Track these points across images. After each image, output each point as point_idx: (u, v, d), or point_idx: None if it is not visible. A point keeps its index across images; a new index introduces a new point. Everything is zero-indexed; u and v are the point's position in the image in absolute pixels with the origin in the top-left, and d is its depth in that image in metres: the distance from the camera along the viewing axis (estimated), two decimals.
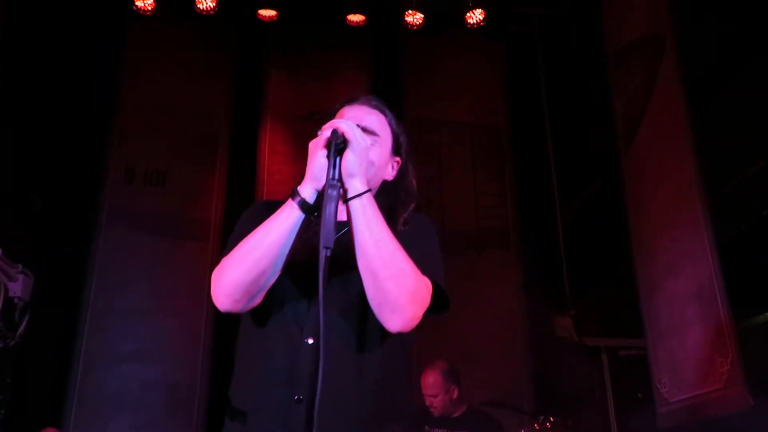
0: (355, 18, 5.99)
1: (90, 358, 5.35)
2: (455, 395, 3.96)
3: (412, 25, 6.01)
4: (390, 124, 1.83)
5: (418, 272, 1.57)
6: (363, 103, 1.82)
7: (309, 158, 1.57)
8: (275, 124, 6.22)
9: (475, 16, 5.95)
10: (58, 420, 5.01)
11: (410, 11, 5.93)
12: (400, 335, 1.64)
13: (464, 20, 5.99)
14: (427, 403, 4.00)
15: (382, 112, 1.83)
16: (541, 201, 6.18)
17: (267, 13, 5.98)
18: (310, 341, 1.60)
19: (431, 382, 3.99)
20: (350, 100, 1.84)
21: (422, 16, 5.96)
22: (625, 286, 4.90)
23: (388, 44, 6.50)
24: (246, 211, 1.84)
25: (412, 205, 1.81)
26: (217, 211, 5.88)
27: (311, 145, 1.57)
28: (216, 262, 1.68)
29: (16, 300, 4.70)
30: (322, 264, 1.37)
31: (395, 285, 1.52)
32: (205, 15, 5.84)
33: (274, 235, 1.56)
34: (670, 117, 4.44)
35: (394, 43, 6.53)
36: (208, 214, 5.87)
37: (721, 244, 3.90)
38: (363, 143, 1.56)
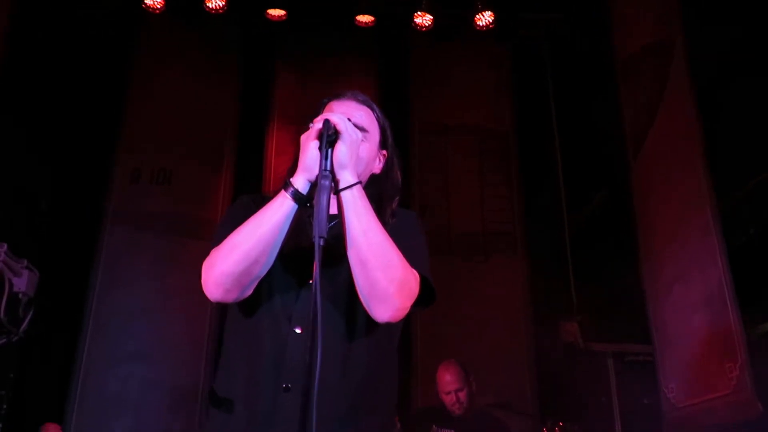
0: (364, 19, 6.00)
1: (93, 357, 5.32)
2: (474, 388, 3.89)
3: (421, 27, 6.00)
4: (377, 119, 1.85)
5: (407, 264, 1.60)
6: (350, 98, 1.84)
7: (301, 150, 1.60)
8: (282, 125, 6.21)
9: (485, 18, 5.95)
10: (59, 417, 4.98)
11: (419, 12, 5.92)
12: (387, 327, 1.67)
13: (473, 23, 5.98)
14: (450, 401, 3.85)
15: (369, 106, 1.84)
16: (549, 206, 6.16)
17: (276, 12, 5.98)
18: (298, 330, 1.63)
19: (452, 377, 3.86)
20: (337, 95, 1.85)
21: (431, 18, 5.95)
22: (631, 292, 4.87)
23: (395, 48, 6.50)
24: (232, 205, 1.87)
25: (397, 198, 1.85)
26: (222, 212, 5.86)
27: (303, 137, 1.61)
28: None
29: (20, 295, 4.67)
30: (317, 252, 1.38)
31: (384, 275, 1.56)
32: (214, 15, 5.83)
33: (267, 226, 1.58)
34: (679, 123, 4.42)
35: (402, 46, 6.53)
36: (213, 215, 5.86)
37: (731, 250, 3.88)
38: (354, 135, 1.60)
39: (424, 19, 5.95)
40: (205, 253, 1.70)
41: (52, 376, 5.21)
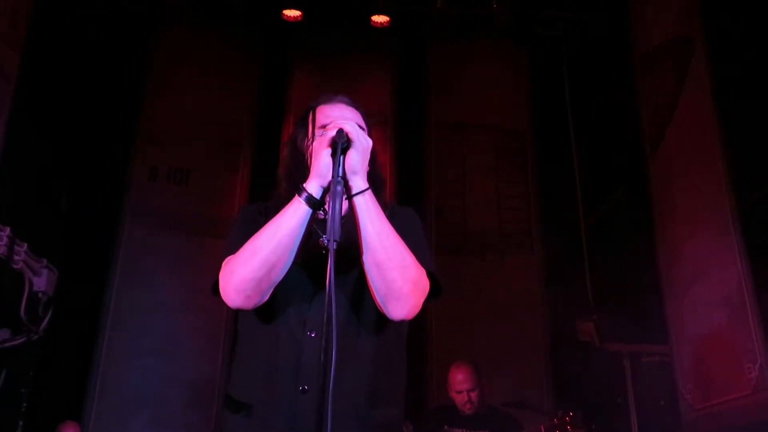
0: (379, 19, 5.99)
1: (112, 354, 5.39)
2: (486, 389, 3.91)
3: (437, 27, 5.97)
4: (364, 120, 1.92)
5: (418, 263, 1.67)
6: (341, 102, 1.91)
7: (314, 157, 1.67)
8: None
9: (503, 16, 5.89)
10: (78, 414, 5.05)
11: (436, 13, 5.89)
12: (397, 325, 1.75)
13: (490, 22, 5.93)
14: (462, 401, 3.88)
15: (356, 109, 1.92)
16: (565, 205, 6.13)
17: (292, 13, 6.00)
18: (313, 335, 1.69)
19: (465, 377, 3.88)
20: (327, 99, 1.92)
21: (447, 18, 5.92)
22: (648, 291, 4.83)
23: (413, 47, 6.49)
24: (238, 217, 1.93)
25: (384, 192, 1.91)
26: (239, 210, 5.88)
27: (316, 144, 1.70)
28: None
29: (40, 294, 4.74)
30: (332, 254, 1.44)
31: (399, 275, 1.64)
32: (232, 15, 5.84)
33: (283, 231, 1.64)
34: (698, 119, 4.37)
35: (420, 45, 6.52)
36: (230, 213, 5.89)
37: (751, 249, 3.83)
38: (365, 143, 1.67)
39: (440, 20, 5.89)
40: (222, 250, 1.73)
41: (72, 374, 5.26)
